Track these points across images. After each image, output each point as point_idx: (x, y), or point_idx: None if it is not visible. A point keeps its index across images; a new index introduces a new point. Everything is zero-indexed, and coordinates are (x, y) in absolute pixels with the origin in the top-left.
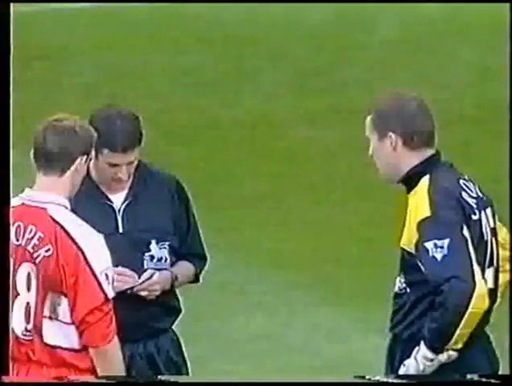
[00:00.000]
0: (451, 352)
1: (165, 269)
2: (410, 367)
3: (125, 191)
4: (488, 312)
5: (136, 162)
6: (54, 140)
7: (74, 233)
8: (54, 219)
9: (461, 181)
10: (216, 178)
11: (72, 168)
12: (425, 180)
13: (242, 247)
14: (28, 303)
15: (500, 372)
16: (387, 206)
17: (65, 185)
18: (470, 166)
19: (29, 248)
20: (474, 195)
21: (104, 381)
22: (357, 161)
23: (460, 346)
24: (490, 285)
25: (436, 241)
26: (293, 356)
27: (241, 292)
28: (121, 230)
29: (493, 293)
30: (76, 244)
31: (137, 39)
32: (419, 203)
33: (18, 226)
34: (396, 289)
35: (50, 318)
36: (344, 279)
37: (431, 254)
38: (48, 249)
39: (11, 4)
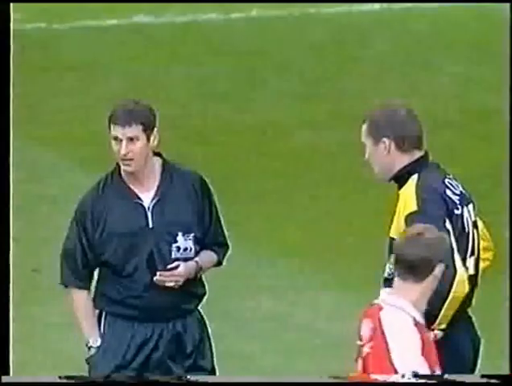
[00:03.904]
0: (436, 331)
1: (191, 260)
2: None
3: (154, 190)
4: (469, 295)
5: (140, 144)
6: (415, 251)
7: (391, 342)
8: (379, 320)
9: (446, 180)
10: (228, 177)
11: (431, 276)
12: (414, 178)
13: (252, 237)
14: None
15: (500, 372)
16: (381, 201)
17: (419, 290)
18: (454, 166)
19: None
20: (457, 193)
21: (104, 381)
22: (355, 161)
23: (444, 326)
24: (471, 271)
25: None
26: (298, 334)
27: (252, 277)
28: (150, 225)
29: (473, 279)
30: (388, 352)
31: (159, 53)
32: (407, 199)
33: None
34: (385, 274)
35: None
36: (343, 266)
37: None
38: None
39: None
